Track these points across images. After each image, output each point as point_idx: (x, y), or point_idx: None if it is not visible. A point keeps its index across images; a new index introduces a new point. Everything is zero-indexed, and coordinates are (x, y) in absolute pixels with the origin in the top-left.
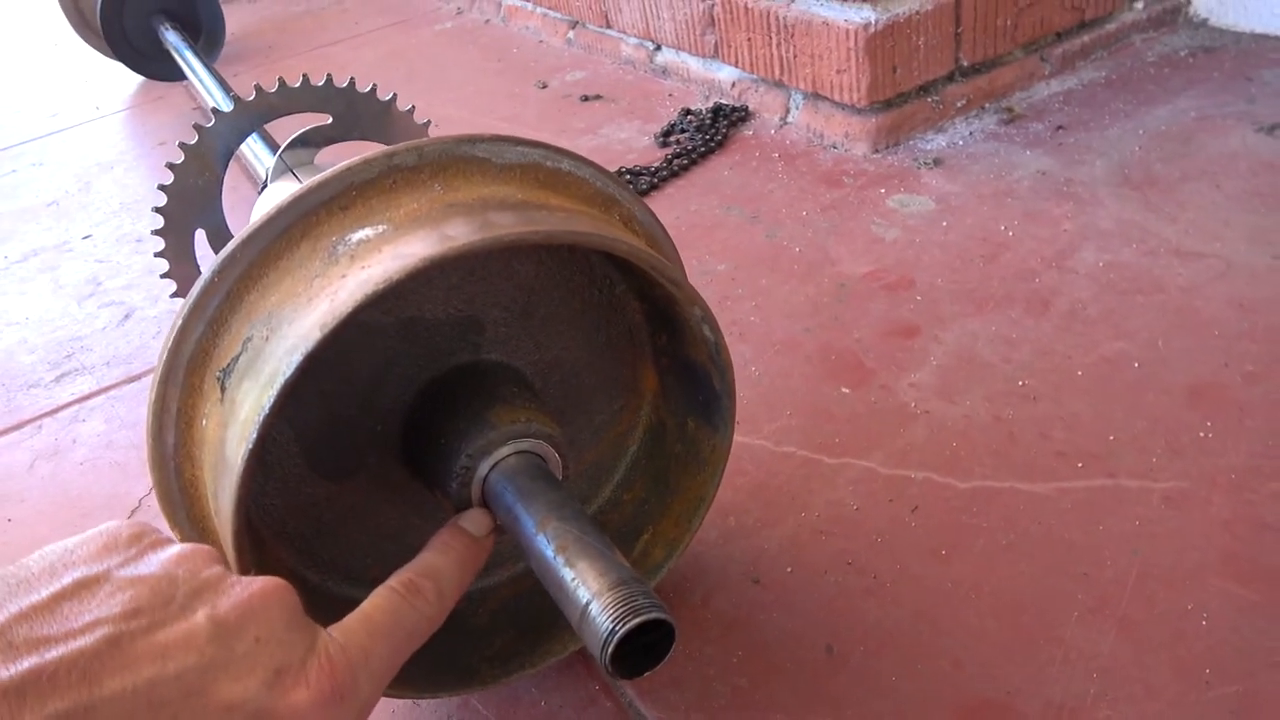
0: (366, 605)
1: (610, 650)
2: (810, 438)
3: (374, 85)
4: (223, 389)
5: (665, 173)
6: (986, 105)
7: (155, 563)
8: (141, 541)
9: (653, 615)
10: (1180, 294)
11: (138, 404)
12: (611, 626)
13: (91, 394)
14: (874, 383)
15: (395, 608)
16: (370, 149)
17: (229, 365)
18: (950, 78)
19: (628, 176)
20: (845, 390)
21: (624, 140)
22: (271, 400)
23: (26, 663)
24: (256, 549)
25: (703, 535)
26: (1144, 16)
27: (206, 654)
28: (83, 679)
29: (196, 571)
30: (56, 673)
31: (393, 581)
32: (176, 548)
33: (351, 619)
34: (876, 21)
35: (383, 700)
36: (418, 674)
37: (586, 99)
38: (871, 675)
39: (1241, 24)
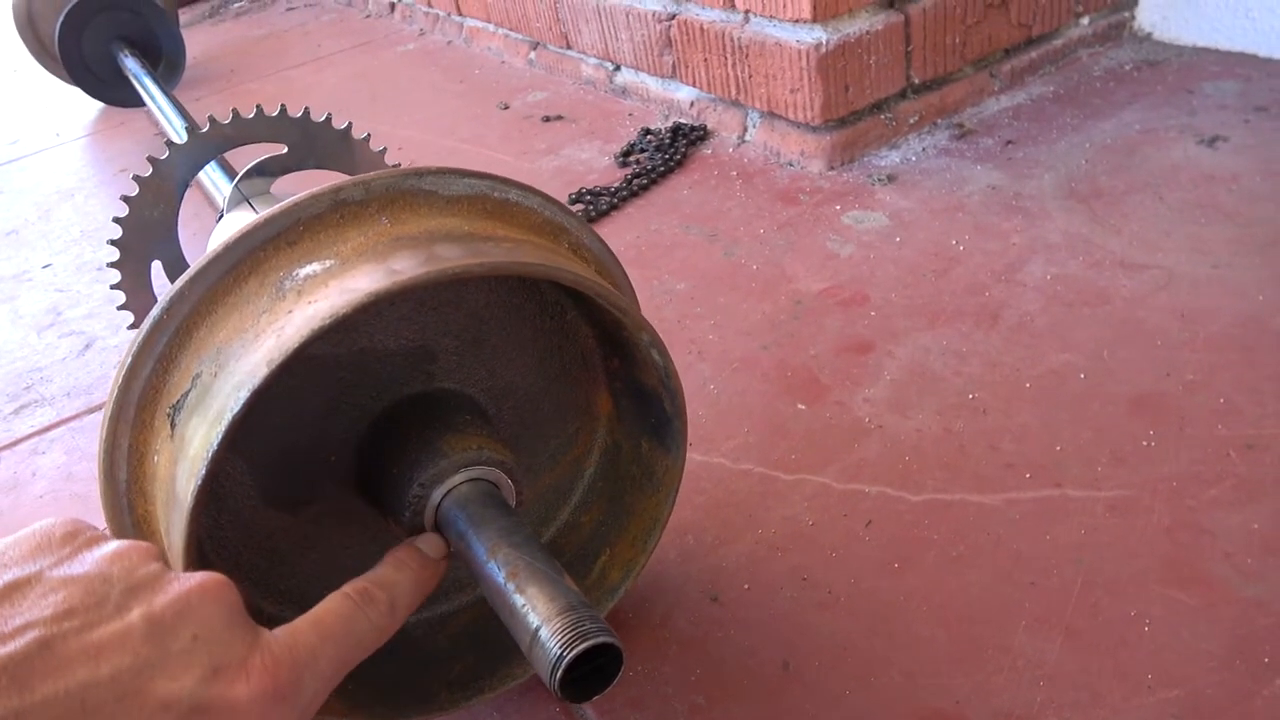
0: (318, 608)
1: (559, 675)
2: (767, 455)
3: (328, 115)
4: (173, 425)
5: (625, 193)
6: (938, 121)
7: (89, 561)
8: (76, 540)
9: (600, 640)
10: (1124, 305)
11: (97, 436)
12: (560, 652)
13: (51, 425)
14: (829, 398)
15: (348, 613)
16: (328, 177)
17: (179, 401)
18: (902, 95)
19: (588, 197)
20: (801, 406)
21: (585, 160)
22: (219, 437)
23: None
24: None
25: (662, 554)
26: (1090, 32)
27: (141, 654)
28: (12, 684)
29: (132, 569)
30: None
31: (347, 588)
32: (112, 545)
33: (301, 620)
34: (827, 41)
35: None
36: (378, 700)
37: (548, 119)
38: (826, 689)
39: (1184, 38)
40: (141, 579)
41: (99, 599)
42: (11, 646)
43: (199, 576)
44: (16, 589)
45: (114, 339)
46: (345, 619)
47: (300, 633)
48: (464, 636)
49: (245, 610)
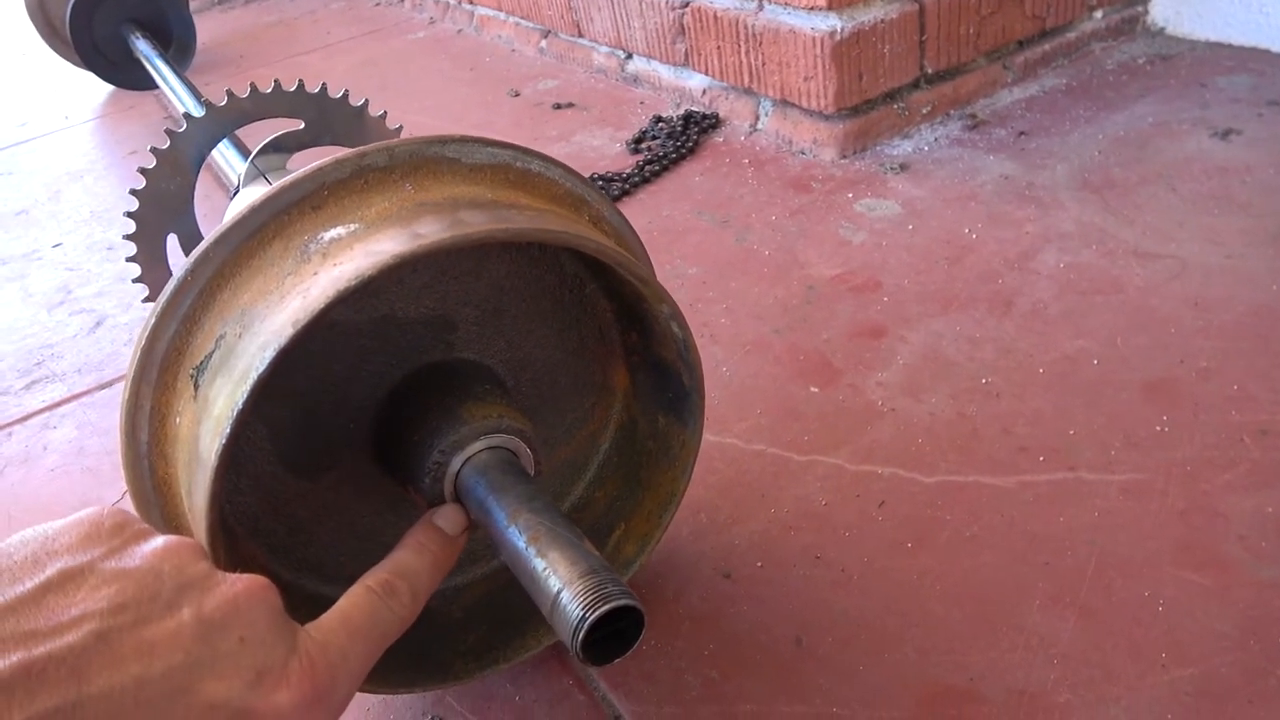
0: (344, 604)
1: (581, 637)
2: (779, 436)
3: (345, 91)
4: (196, 386)
5: (637, 179)
6: (951, 112)
7: (140, 556)
8: (125, 532)
9: (622, 602)
10: (1138, 294)
11: (109, 410)
12: (582, 614)
13: (62, 401)
14: (842, 382)
15: (373, 608)
16: (343, 154)
17: (202, 363)
18: (916, 85)
19: (600, 183)
20: (814, 389)
21: (596, 147)
22: (245, 396)
23: (14, 658)
24: (230, 546)
25: (675, 531)
26: (1103, 25)
27: (192, 652)
28: (71, 675)
29: (182, 567)
30: (45, 669)
31: (369, 581)
32: (161, 540)
33: (330, 618)
34: (842, 29)
35: (358, 696)
36: (393, 670)
37: (559, 107)
38: (839, 665)
39: (1197, 33)
40: (191, 578)
41: (151, 595)
42: (70, 638)
43: (245, 578)
44: (70, 579)
45: (124, 316)
46: (370, 614)
47: (332, 632)
48: (479, 608)
49: (284, 612)
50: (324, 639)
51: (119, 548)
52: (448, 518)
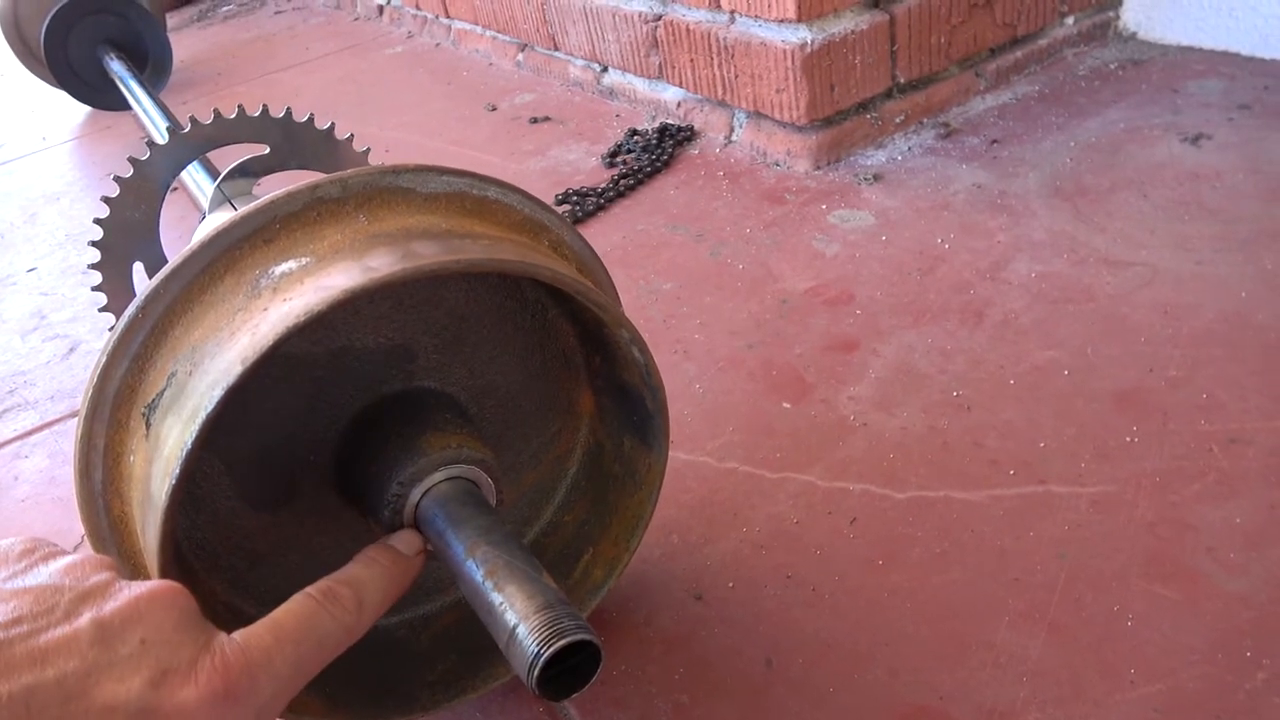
0: (278, 610)
1: (536, 673)
2: (752, 453)
3: (310, 115)
4: (148, 425)
5: (612, 193)
6: (924, 121)
7: (44, 574)
8: (33, 555)
9: (578, 637)
10: (1109, 302)
11: None
12: (537, 650)
13: (34, 429)
14: (814, 397)
15: (309, 613)
16: (310, 178)
17: (154, 401)
18: (888, 95)
19: (575, 197)
20: (786, 405)
21: (572, 161)
22: (194, 436)
23: None
24: (188, 583)
25: (646, 553)
26: (1075, 31)
27: (89, 657)
28: None
29: (84, 578)
30: None
31: (310, 588)
32: (67, 558)
33: (259, 623)
34: (812, 41)
35: None
36: (359, 701)
37: (535, 121)
38: (810, 687)
39: (1168, 37)
40: (92, 587)
41: (48, 607)
42: None
43: (150, 584)
44: None
45: (98, 343)
46: (305, 618)
47: (254, 635)
48: (446, 637)
49: (199, 615)
50: (245, 640)
51: (23, 569)
52: (402, 540)
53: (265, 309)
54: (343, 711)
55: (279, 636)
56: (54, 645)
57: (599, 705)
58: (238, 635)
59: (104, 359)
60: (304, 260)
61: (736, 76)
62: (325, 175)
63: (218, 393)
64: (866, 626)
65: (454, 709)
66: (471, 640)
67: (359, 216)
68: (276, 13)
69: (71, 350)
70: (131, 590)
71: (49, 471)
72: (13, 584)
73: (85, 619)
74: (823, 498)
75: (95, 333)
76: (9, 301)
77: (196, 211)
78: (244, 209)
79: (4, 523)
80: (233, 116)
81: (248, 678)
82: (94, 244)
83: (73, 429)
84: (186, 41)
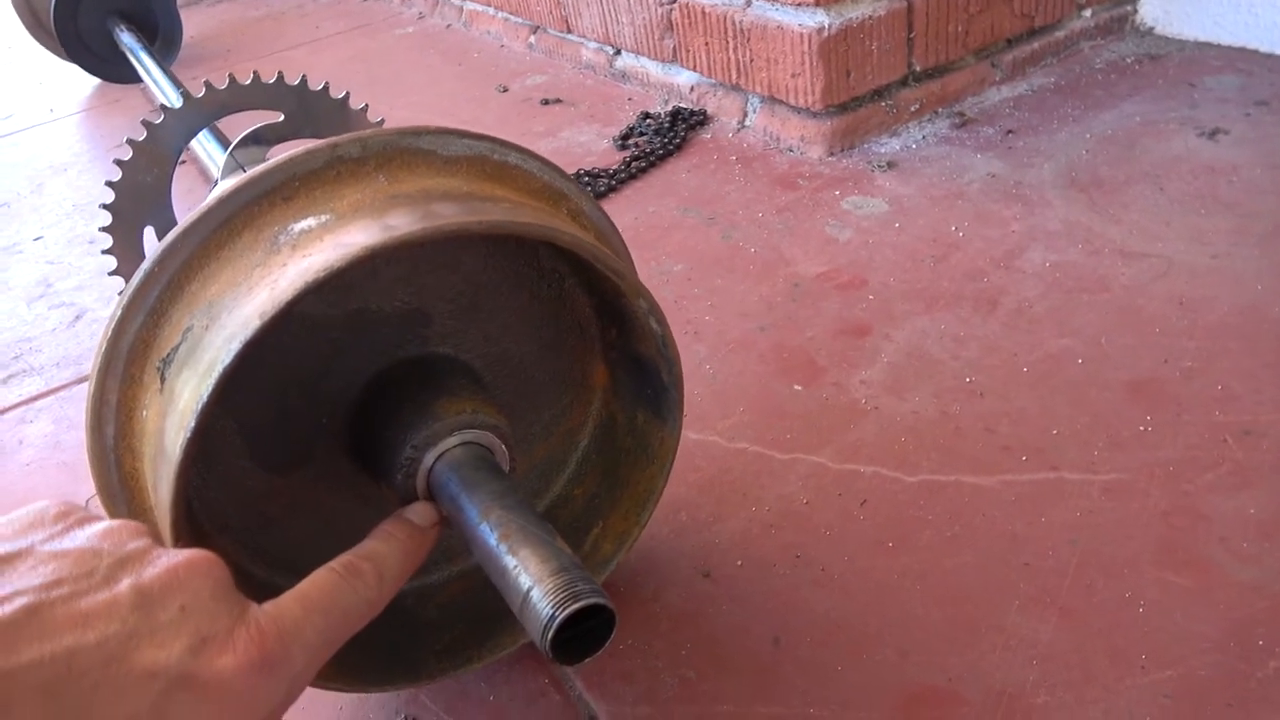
0: (303, 583)
1: (550, 635)
2: (762, 434)
3: (326, 83)
4: (162, 379)
5: (624, 175)
6: (939, 110)
7: (80, 537)
8: (68, 519)
9: (592, 600)
10: (1123, 293)
11: None
12: (551, 612)
13: (40, 395)
14: (826, 380)
15: (333, 586)
16: (315, 144)
17: (169, 355)
18: (904, 82)
19: (587, 179)
20: (797, 387)
21: (583, 143)
22: (210, 389)
23: None
24: (198, 542)
25: (655, 530)
26: (1092, 24)
27: (129, 622)
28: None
29: (122, 544)
30: None
31: (333, 563)
32: (103, 523)
33: (286, 595)
34: (830, 26)
35: (332, 695)
36: (367, 668)
37: (546, 103)
38: (818, 665)
39: (1185, 32)
40: (130, 553)
41: (88, 570)
42: (1, 611)
43: (188, 551)
44: (7, 561)
45: (104, 310)
46: (330, 592)
47: (285, 606)
48: (454, 606)
49: (233, 585)
50: (276, 611)
51: (60, 532)
52: (419, 513)
53: (284, 265)
54: (350, 676)
55: (307, 608)
56: (95, 609)
57: (605, 679)
58: (269, 606)
59: (118, 313)
60: (324, 218)
61: (751, 60)
62: (345, 135)
63: (235, 346)
64: (876, 607)
65: (459, 678)
66: (478, 610)
67: (379, 176)
68: None
69: (77, 318)
70: (170, 557)
71: (54, 436)
72: (50, 545)
73: (125, 584)
74: (833, 479)
75: (101, 301)
76: (15, 269)
77: (205, 184)
78: (262, 166)
79: (8, 487)
80: (248, 83)
81: (282, 647)
82: (105, 206)
83: (78, 396)
84: (196, 18)
